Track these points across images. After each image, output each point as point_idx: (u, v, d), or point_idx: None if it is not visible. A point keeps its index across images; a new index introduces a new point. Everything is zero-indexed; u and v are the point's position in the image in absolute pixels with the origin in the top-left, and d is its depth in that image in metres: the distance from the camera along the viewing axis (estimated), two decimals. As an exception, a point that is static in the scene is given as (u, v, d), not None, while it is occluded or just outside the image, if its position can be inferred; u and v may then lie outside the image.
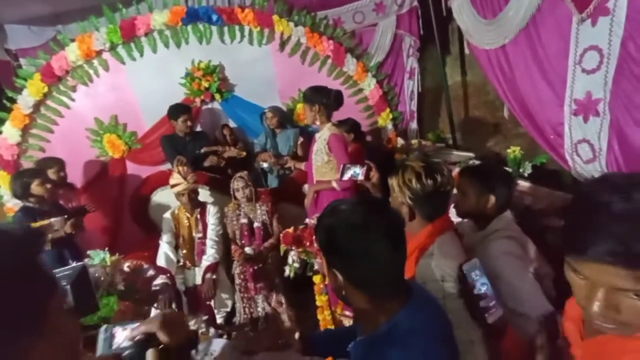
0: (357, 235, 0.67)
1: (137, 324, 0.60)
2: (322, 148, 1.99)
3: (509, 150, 2.30)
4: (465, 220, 1.32)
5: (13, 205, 2.74)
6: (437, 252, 1.00)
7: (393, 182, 1.07)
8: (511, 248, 1.12)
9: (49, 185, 2.16)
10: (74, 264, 0.80)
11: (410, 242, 1.07)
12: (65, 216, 2.01)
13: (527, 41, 2.15)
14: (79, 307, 0.70)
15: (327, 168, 2.01)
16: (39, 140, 2.96)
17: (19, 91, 2.84)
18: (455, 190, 1.18)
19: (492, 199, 1.19)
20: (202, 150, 2.91)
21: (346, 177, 1.45)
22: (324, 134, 1.99)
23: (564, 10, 1.87)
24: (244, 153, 3.01)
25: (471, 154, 3.05)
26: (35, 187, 2.12)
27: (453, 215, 1.43)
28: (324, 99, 1.98)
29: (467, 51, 3.01)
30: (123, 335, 0.60)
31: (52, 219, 1.89)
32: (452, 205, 1.30)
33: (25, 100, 2.85)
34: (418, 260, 1.02)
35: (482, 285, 0.86)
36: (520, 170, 2.22)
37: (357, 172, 1.41)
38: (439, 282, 0.94)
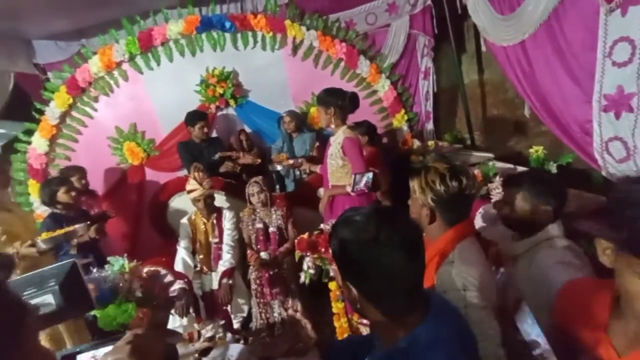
0: (368, 250, 0.63)
1: (104, 350, 0.57)
2: (337, 152, 1.94)
3: (531, 150, 2.20)
4: (500, 226, 1.25)
5: (42, 212, 2.86)
6: (458, 259, 0.94)
7: (414, 183, 1.02)
8: (567, 257, 1.04)
9: (74, 193, 2.25)
10: (63, 262, 0.77)
11: (430, 248, 1.02)
12: (88, 222, 2.08)
13: (549, 35, 2.06)
14: (71, 307, 0.67)
15: (342, 172, 1.96)
16: (64, 150, 3.10)
17: (47, 103, 2.98)
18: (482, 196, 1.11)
19: (548, 209, 1.11)
20: (217, 156, 2.94)
21: (358, 187, 1.39)
22: (339, 137, 1.95)
23: (589, 1, 1.77)
24: (259, 160, 3.02)
25: (490, 155, 2.95)
26: (62, 195, 2.21)
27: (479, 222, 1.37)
28: (340, 101, 1.93)
29: (483, 48, 2.91)
30: None
31: (77, 225, 1.95)
32: (499, 217, 1.21)
33: (52, 112, 2.99)
34: (438, 267, 0.97)
35: (536, 336, 0.82)
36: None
37: (370, 177, 1.37)
38: (461, 292, 0.88)
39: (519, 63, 2.36)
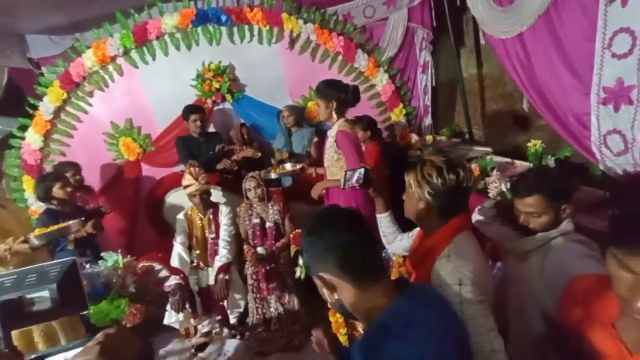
0: (318, 232, 0.76)
1: (77, 350, 0.55)
2: (331, 146, 1.90)
3: (529, 144, 2.18)
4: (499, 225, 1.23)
5: (37, 208, 2.85)
6: (454, 253, 0.92)
7: (410, 177, 1.00)
8: (588, 251, 1.02)
9: (69, 189, 2.23)
10: (63, 259, 0.76)
11: (425, 242, 1.03)
12: (83, 218, 2.07)
13: (547, 27, 2.03)
14: (65, 305, 0.66)
15: (337, 167, 1.92)
16: (59, 145, 3.07)
17: (41, 98, 2.95)
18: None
19: (570, 208, 1.07)
20: (217, 149, 2.89)
21: (350, 183, 1.36)
22: (334, 130, 1.89)
23: (589, -9, 1.74)
24: (260, 154, 2.98)
25: (488, 149, 2.93)
26: (57, 190, 2.19)
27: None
28: (342, 94, 1.85)
29: (482, 42, 2.88)
30: None
31: (71, 222, 1.94)
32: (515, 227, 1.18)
33: (46, 107, 2.96)
34: (434, 261, 0.95)
35: None
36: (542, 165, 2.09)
37: (361, 173, 1.34)
38: (456, 286, 0.87)
39: (518, 56, 2.32)
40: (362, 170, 1.34)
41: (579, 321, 0.78)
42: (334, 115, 1.88)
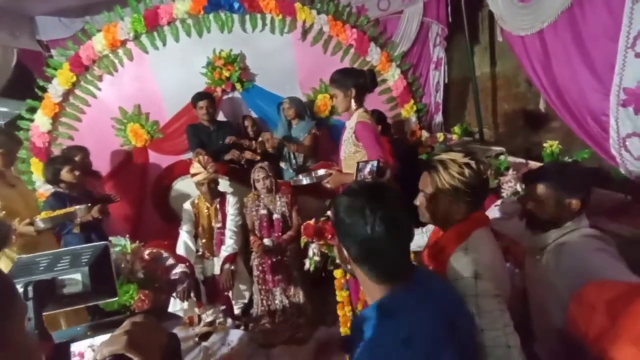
0: (355, 217, 0.73)
1: (104, 337, 0.53)
2: (350, 137, 1.78)
3: (545, 145, 2.13)
4: (515, 221, 1.21)
5: (44, 190, 2.84)
6: (472, 247, 0.92)
7: (437, 181, 0.99)
8: (602, 245, 1.01)
9: (77, 173, 2.22)
10: (96, 243, 0.75)
11: (443, 235, 1.03)
12: (89, 204, 2.05)
13: (570, 24, 1.97)
14: (96, 290, 0.65)
15: (354, 159, 1.79)
16: (67, 129, 3.05)
17: (50, 80, 2.92)
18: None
19: (577, 203, 1.05)
20: (227, 141, 2.84)
21: (362, 174, 1.33)
22: (353, 121, 1.78)
23: (616, -13, 1.68)
24: (259, 157, 2.90)
25: (501, 148, 2.89)
26: (65, 174, 2.18)
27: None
28: (360, 79, 1.75)
29: (499, 38, 2.82)
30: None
31: (77, 207, 1.92)
32: (521, 213, 1.17)
33: (55, 90, 2.93)
34: (450, 255, 0.94)
35: None
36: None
37: (374, 165, 1.31)
38: (472, 279, 0.86)
39: (537, 53, 2.26)
40: (374, 162, 1.32)
41: (600, 334, 0.72)
42: (353, 105, 1.78)
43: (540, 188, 1.09)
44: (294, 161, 2.97)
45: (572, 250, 1.01)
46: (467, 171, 0.95)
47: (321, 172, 1.85)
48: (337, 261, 1.54)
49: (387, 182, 1.32)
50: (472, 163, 0.96)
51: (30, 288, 0.59)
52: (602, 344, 0.70)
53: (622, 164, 1.82)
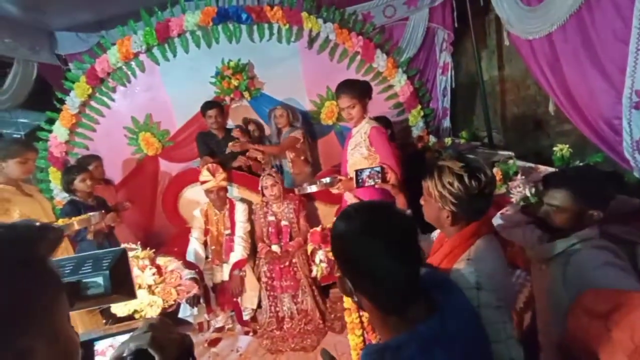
0: (358, 245, 0.64)
1: (123, 337, 0.56)
2: (362, 141, 1.89)
3: (555, 149, 2.10)
4: (523, 229, 1.17)
5: (61, 199, 2.94)
6: (474, 256, 0.90)
7: (429, 185, 0.97)
8: (612, 258, 0.97)
9: (90, 182, 2.29)
10: (115, 248, 0.80)
11: (445, 245, 1.00)
12: (103, 211, 2.12)
13: (579, 27, 1.95)
14: (117, 292, 0.69)
15: (366, 164, 1.89)
16: (83, 139, 3.16)
17: (68, 93, 3.04)
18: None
19: (599, 214, 1.01)
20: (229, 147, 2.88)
21: (368, 182, 1.34)
22: (363, 127, 1.90)
23: (625, -11, 1.66)
24: (261, 154, 2.94)
25: (510, 153, 2.85)
26: (78, 183, 2.26)
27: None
28: (369, 91, 1.94)
29: (506, 42, 2.80)
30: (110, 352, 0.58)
31: (90, 214, 1.99)
32: (532, 218, 1.14)
33: (73, 101, 3.05)
34: (453, 264, 0.93)
35: None
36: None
37: (376, 170, 1.31)
38: (474, 290, 0.84)
39: (545, 57, 2.24)
40: (376, 168, 1.33)
41: (597, 344, 0.70)
42: (365, 114, 1.92)
43: (563, 195, 1.03)
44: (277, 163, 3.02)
45: (579, 264, 0.98)
46: (456, 183, 0.91)
47: (326, 180, 1.88)
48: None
49: (392, 187, 1.32)
50: (465, 176, 0.91)
51: None
52: (599, 354, 0.68)
53: (636, 167, 1.78)
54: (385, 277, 0.64)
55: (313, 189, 1.94)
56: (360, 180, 1.35)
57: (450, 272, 0.91)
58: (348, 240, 0.66)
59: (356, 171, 1.39)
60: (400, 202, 1.34)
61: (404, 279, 0.65)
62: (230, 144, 2.77)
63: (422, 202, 1.04)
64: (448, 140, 3.26)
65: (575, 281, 0.96)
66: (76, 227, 1.87)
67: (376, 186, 1.42)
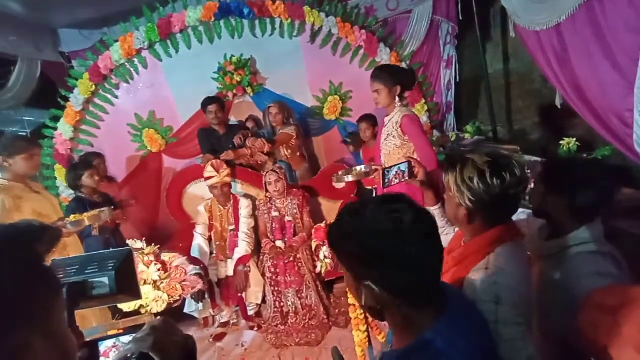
0: (389, 242, 0.60)
1: (126, 338, 0.57)
2: (395, 131, 1.81)
3: (562, 142, 2.07)
4: (533, 219, 1.10)
5: (67, 196, 2.96)
6: (494, 266, 0.81)
7: (449, 179, 0.89)
8: (606, 268, 0.90)
9: (97, 178, 2.31)
10: (121, 249, 0.81)
11: (462, 249, 0.92)
12: (112, 207, 2.13)
13: (589, 17, 1.90)
14: (122, 292, 0.70)
15: (400, 153, 1.82)
16: (87, 136, 3.17)
17: (72, 90, 3.05)
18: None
19: (569, 205, 0.95)
20: (236, 142, 2.84)
21: (388, 179, 1.29)
22: (395, 116, 1.81)
23: (637, -23, 1.62)
24: (266, 149, 2.87)
25: (515, 147, 2.81)
26: (86, 179, 2.27)
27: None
28: (404, 79, 1.84)
29: (512, 34, 2.75)
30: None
31: (99, 210, 2.00)
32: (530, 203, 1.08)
33: (76, 99, 3.06)
34: (467, 270, 0.85)
35: None
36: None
37: (402, 168, 1.26)
38: (492, 304, 0.76)
39: (553, 49, 2.20)
40: (403, 164, 1.27)
41: (607, 340, 0.68)
42: (397, 101, 1.83)
43: (538, 185, 1.00)
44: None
45: (569, 269, 0.92)
46: (476, 179, 0.83)
47: (363, 169, 1.85)
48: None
49: (421, 184, 1.26)
50: (487, 172, 0.82)
51: (64, 289, 0.64)
52: (609, 350, 0.67)
53: (645, 160, 1.75)
54: (426, 269, 0.62)
55: (349, 178, 1.92)
56: (386, 181, 1.29)
57: (466, 280, 0.83)
58: (376, 242, 0.61)
59: (383, 170, 1.33)
60: (429, 198, 1.25)
61: (437, 272, 0.64)
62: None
63: (444, 196, 0.97)
64: (452, 135, 3.23)
65: (562, 285, 0.92)
66: (87, 223, 1.89)
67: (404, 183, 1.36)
